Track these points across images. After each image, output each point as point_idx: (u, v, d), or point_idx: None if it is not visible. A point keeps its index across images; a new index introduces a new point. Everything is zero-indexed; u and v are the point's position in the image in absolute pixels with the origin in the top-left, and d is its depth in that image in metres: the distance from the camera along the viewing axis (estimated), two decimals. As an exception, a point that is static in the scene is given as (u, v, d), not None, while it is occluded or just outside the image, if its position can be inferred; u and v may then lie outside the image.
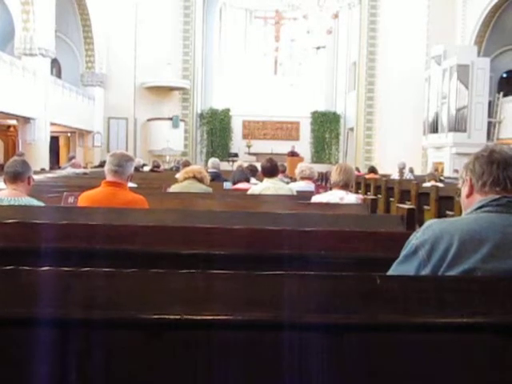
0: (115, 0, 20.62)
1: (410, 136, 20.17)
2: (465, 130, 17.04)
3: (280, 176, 6.61)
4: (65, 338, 1.17)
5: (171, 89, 21.76)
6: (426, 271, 1.54)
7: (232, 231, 2.28)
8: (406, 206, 2.98)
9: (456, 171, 14.46)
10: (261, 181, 5.58)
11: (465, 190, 1.72)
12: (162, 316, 1.17)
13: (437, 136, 18.18)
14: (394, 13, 20.78)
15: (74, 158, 13.18)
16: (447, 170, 17.09)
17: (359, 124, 22.01)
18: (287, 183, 6.17)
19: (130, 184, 3.88)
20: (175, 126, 20.94)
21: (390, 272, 1.64)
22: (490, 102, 17.56)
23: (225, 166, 17.70)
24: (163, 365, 1.18)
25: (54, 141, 19.29)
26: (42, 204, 3.42)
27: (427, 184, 9.16)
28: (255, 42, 25.21)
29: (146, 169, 13.06)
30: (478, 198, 1.66)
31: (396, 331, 1.21)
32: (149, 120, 21.34)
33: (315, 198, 4.31)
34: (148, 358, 1.17)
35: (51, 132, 16.77)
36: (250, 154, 21.81)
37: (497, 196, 1.62)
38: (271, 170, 5.17)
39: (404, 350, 1.21)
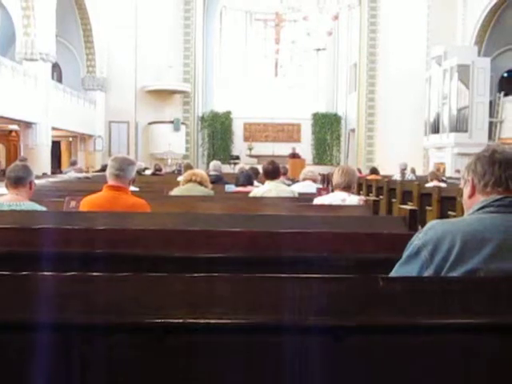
0: (115, 4, 20.67)
1: (411, 136, 20.15)
2: (466, 130, 17.02)
3: (282, 178, 6.60)
4: (66, 343, 1.17)
5: (172, 92, 21.80)
6: (428, 272, 1.54)
7: (234, 234, 2.28)
8: (408, 207, 2.97)
9: (458, 171, 14.42)
10: (262, 183, 5.57)
11: (467, 191, 1.72)
12: (164, 320, 1.17)
13: (438, 136, 18.16)
14: (394, 13, 20.79)
15: (75, 162, 13.20)
16: (449, 170, 17.06)
17: (360, 125, 22.01)
18: (289, 185, 6.15)
19: (132, 188, 3.87)
20: (176, 129, 20.97)
21: (393, 273, 1.63)
22: (491, 102, 17.55)
23: (226, 168, 17.71)
24: (165, 368, 1.18)
25: (56, 145, 19.33)
26: (44, 209, 3.41)
27: (429, 184, 9.14)
28: (255, 45, 25.24)
29: (148, 172, 13.06)
30: (480, 199, 1.65)
31: (399, 333, 1.21)
32: (150, 123, 21.37)
33: (317, 200, 4.30)
34: (150, 361, 1.17)
35: (53, 136, 16.80)
36: (251, 156, 21.83)
37: (499, 196, 1.61)
38: (273, 172, 5.16)
39: (407, 351, 1.21)
